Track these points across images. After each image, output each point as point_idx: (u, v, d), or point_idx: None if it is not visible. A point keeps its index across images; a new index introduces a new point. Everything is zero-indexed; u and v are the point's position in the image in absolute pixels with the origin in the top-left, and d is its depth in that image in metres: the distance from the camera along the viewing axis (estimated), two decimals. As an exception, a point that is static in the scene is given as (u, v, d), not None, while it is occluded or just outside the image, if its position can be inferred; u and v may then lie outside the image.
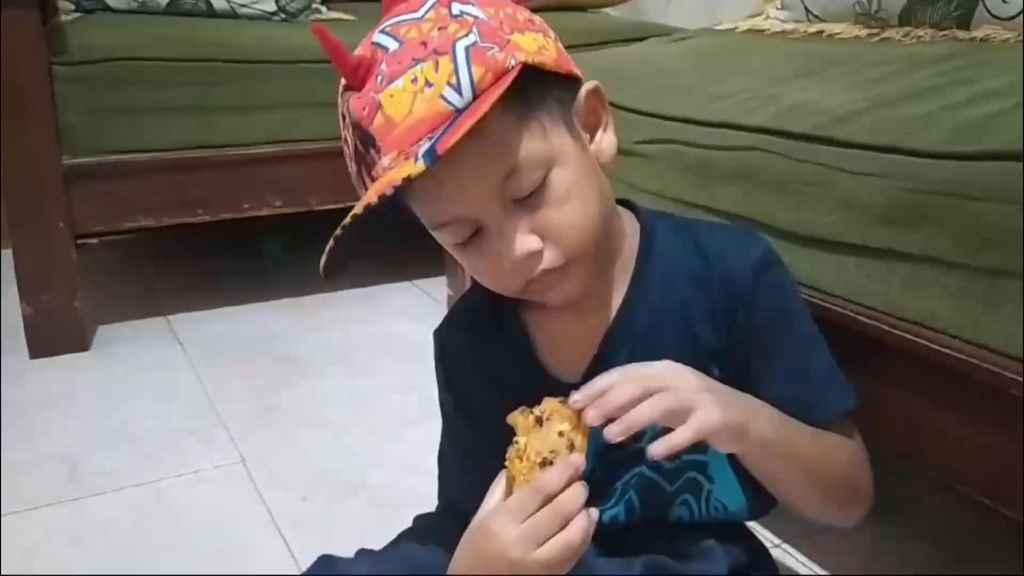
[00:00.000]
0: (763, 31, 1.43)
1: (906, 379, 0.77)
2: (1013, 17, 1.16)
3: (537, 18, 0.65)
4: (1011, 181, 0.68)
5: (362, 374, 1.54)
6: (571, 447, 0.60)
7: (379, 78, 0.58)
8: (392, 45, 0.59)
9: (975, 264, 0.70)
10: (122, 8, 1.80)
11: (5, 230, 1.54)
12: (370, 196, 0.56)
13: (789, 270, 0.74)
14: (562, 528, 0.59)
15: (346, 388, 1.50)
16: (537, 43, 0.61)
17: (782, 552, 1.05)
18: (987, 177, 0.70)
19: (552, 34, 0.65)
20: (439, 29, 0.59)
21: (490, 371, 0.74)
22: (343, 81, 0.63)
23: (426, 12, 0.60)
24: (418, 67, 0.57)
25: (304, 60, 1.69)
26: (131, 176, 1.59)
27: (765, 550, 0.79)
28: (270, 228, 1.92)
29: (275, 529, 1.11)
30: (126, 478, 1.23)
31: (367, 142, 0.59)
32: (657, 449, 0.59)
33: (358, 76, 0.60)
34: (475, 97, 0.57)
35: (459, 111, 0.56)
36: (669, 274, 0.70)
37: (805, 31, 1.37)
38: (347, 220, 0.57)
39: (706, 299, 0.70)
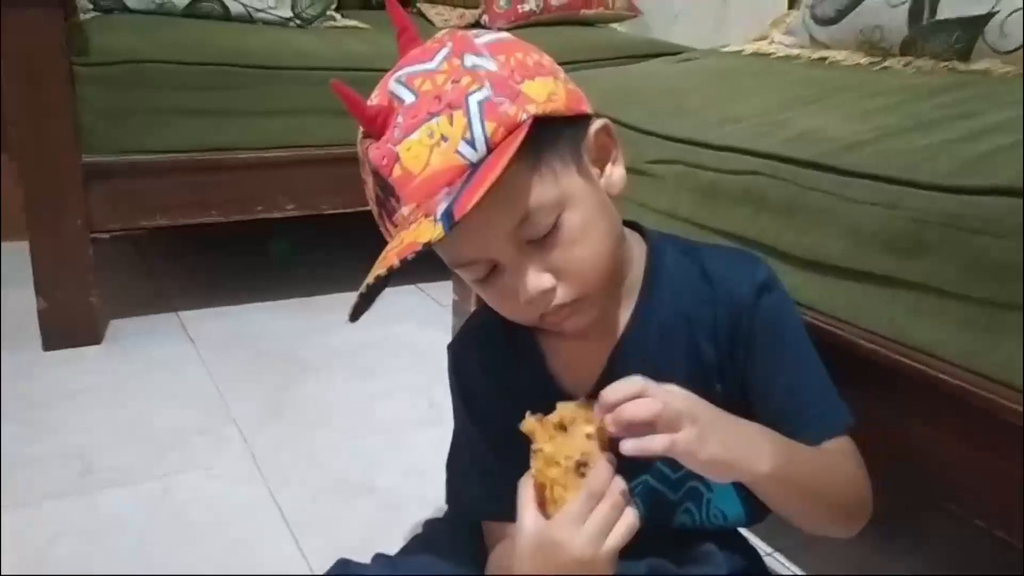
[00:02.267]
0: (769, 55, 1.47)
1: (907, 403, 0.80)
2: (1012, 51, 1.20)
3: (547, 59, 0.68)
4: (1011, 217, 0.72)
5: (369, 376, 1.58)
6: (601, 447, 0.63)
7: (396, 130, 0.61)
8: (408, 97, 0.62)
9: (976, 295, 0.73)
10: (140, 8, 1.82)
11: (21, 224, 1.57)
12: (391, 260, 0.59)
13: (788, 293, 0.77)
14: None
15: (353, 389, 1.53)
16: (547, 89, 0.64)
17: (774, 560, 1.08)
18: (988, 212, 0.74)
19: (561, 74, 0.68)
20: (452, 82, 0.61)
21: (503, 385, 0.77)
22: (361, 129, 0.66)
23: (440, 63, 0.63)
24: (433, 121, 0.60)
25: (318, 67, 1.72)
26: (147, 176, 1.62)
27: (759, 557, 0.83)
28: (281, 229, 1.94)
29: (285, 527, 1.14)
30: (137, 473, 1.25)
31: (387, 191, 0.62)
32: (628, 446, 0.61)
33: (376, 126, 0.63)
34: (489, 150, 0.60)
35: (474, 165, 0.60)
36: (675, 294, 0.74)
37: (809, 56, 1.41)
38: (371, 280, 0.62)
39: (710, 318, 0.73)
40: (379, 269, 0.61)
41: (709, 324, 0.73)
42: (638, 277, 0.75)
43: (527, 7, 2.14)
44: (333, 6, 2.00)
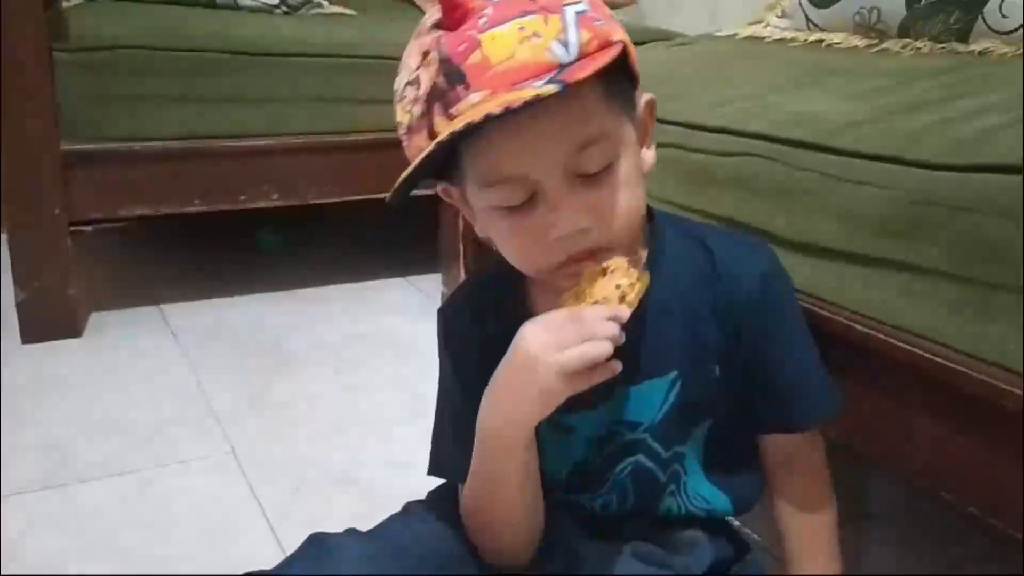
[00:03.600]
0: (763, 38, 1.44)
1: (900, 387, 0.78)
2: (1012, 31, 1.17)
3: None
4: (1008, 195, 0.69)
5: (354, 369, 1.55)
6: (622, 299, 0.63)
7: (482, 19, 0.59)
8: None
9: (971, 276, 0.71)
10: (124, -5, 1.79)
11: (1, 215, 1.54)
12: (477, 113, 0.56)
13: (791, 282, 0.76)
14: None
15: (338, 382, 1.50)
16: (622, 33, 0.64)
17: (768, 556, 1.06)
18: (984, 190, 0.71)
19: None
20: None
21: (493, 351, 0.73)
22: (430, 21, 0.63)
23: None
24: (526, 18, 0.59)
25: (304, 54, 1.70)
26: (129, 164, 1.59)
27: (749, 548, 0.81)
28: (266, 220, 1.92)
29: (264, 520, 1.12)
30: (116, 466, 1.23)
31: (454, 78, 0.59)
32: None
33: (455, 16, 0.60)
34: (579, 58, 0.58)
35: (563, 66, 0.58)
36: (677, 274, 0.72)
37: (805, 39, 1.38)
38: (432, 147, 0.59)
39: (711, 300, 0.72)
40: (457, 125, 0.57)
41: (709, 307, 0.72)
42: (642, 255, 0.72)
43: (518, -5, 2.11)
44: (320, -7, 1.97)
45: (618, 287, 0.63)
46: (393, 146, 2.08)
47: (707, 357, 0.72)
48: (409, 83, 0.63)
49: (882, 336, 0.78)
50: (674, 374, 0.72)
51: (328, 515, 1.13)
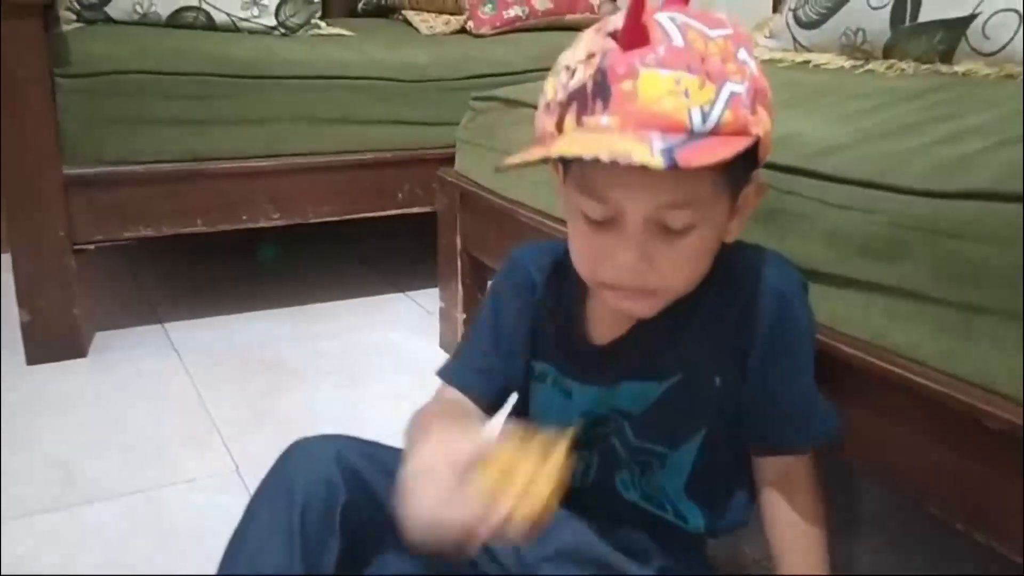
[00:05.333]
0: (753, 58, 1.47)
1: (885, 406, 0.80)
2: (994, 53, 1.20)
3: (771, 96, 0.69)
4: (987, 220, 0.72)
5: (355, 384, 1.57)
6: (526, 487, 0.61)
7: (651, 55, 0.62)
8: (677, 39, 0.63)
9: (953, 298, 0.73)
10: (123, 20, 1.81)
11: (3, 237, 1.56)
12: (590, 149, 0.60)
13: (808, 304, 0.78)
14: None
15: (339, 397, 1.52)
16: (768, 126, 0.67)
17: (764, 568, 1.08)
18: (964, 215, 0.74)
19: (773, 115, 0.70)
20: (721, 60, 0.63)
21: (532, 316, 0.84)
22: (611, 26, 0.65)
23: (718, 36, 0.64)
24: (688, 75, 0.62)
25: (303, 75, 1.72)
26: (131, 186, 1.61)
27: (706, 565, 0.84)
28: (266, 238, 1.94)
29: (269, 538, 1.13)
30: (121, 485, 1.24)
31: (601, 92, 0.63)
32: None
33: (638, 36, 0.63)
34: (712, 132, 0.62)
35: (692, 133, 0.61)
36: (706, 282, 0.74)
37: (792, 60, 1.41)
38: (540, 157, 0.64)
39: (728, 315, 0.75)
40: (572, 151, 0.63)
41: (725, 319, 0.75)
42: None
43: (512, 13, 2.14)
44: (318, 14, 1.99)
45: (524, 473, 0.62)
46: (390, 165, 2.11)
47: (711, 367, 0.76)
48: (567, 67, 0.66)
49: (866, 356, 0.80)
50: (677, 378, 0.76)
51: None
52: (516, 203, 1.36)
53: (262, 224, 1.73)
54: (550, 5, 2.20)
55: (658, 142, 0.59)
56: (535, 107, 0.72)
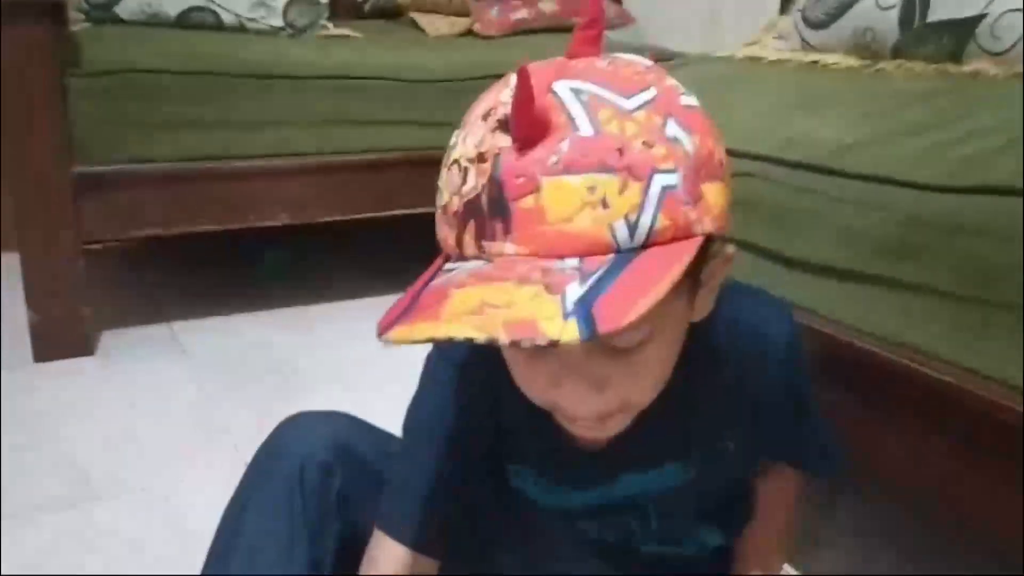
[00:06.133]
0: (761, 59, 1.47)
1: (899, 403, 0.80)
2: (1004, 52, 1.20)
3: (724, 152, 0.55)
4: (1004, 216, 0.72)
5: (360, 387, 1.57)
6: None
7: (554, 157, 0.48)
8: (584, 126, 0.49)
9: (968, 295, 0.74)
10: (132, 19, 1.82)
11: (9, 234, 1.56)
12: (490, 330, 0.44)
13: (804, 347, 0.72)
14: None
15: (345, 400, 1.51)
16: (722, 198, 0.53)
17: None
18: (980, 212, 0.74)
19: (729, 171, 0.56)
20: (644, 144, 0.49)
21: (506, 400, 0.66)
22: (502, 110, 0.51)
23: (638, 108, 0.50)
24: (603, 176, 0.48)
25: (310, 76, 1.73)
26: (140, 186, 1.62)
27: None
28: (274, 239, 1.94)
29: (279, 536, 1.13)
30: (130, 485, 1.24)
31: (499, 210, 0.49)
32: None
33: (534, 133, 0.49)
34: (644, 246, 0.48)
35: (621, 252, 0.48)
36: (697, 350, 0.63)
37: (801, 60, 1.41)
38: (443, 336, 0.46)
39: (731, 376, 0.68)
40: (478, 334, 0.45)
41: (730, 383, 0.68)
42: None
43: (518, 15, 2.15)
44: (325, 15, 2.00)
45: None
46: (397, 166, 2.11)
47: (722, 433, 0.70)
48: (458, 164, 0.52)
49: (882, 353, 0.80)
50: (686, 458, 0.69)
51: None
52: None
53: (269, 224, 1.74)
54: (556, 8, 2.20)
55: (573, 289, 0.45)
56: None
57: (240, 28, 1.88)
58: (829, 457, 0.76)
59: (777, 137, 0.99)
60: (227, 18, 1.86)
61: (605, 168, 0.48)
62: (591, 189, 0.48)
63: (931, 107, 1.02)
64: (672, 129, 0.50)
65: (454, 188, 0.52)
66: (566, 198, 0.48)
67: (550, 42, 2.06)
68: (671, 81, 0.54)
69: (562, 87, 0.50)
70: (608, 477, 0.69)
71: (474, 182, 0.50)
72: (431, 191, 0.56)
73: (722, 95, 1.28)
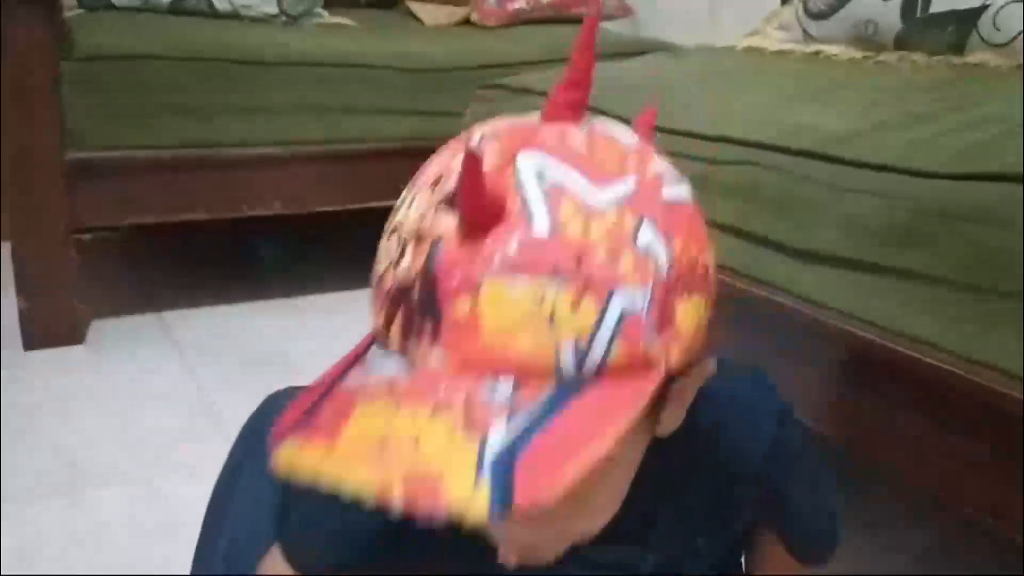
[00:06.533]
0: (762, 50, 1.46)
1: (902, 393, 0.79)
2: (1006, 44, 1.20)
3: (711, 256, 0.47)
4: (1007, 204, 0.71)
5: (355, 376, 1.56)
6: None
7: (498, 255, 0.41)
8: (540, 220, 0.41)
9: (971, 283, 0.73)
10: (126, 6, 1.80)
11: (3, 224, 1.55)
12: (390, 488, 0.38)
13: (799, 426, 0.66)
14: None
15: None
16: (697, 316, 0.45)
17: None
18: (983, 199, 0.73)
19: (714, 286, 0.48)
20: (609, 252, 0.41)
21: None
22: (448, 183, 0.44)
23: (610, 205, 0.42)
24: (554, 287, 0.41)
25: (307, 63, 1.71)
26: (133, 173, 1.60)
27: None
28: (268, 229, 1.93)
29: (270, 526, 1.12)
30: (121, 474, 1.23)
31: (428, 310, 0.42)
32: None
33: (480, 223, 0.41)
34: (595, 374, 0.41)
35: (564, 384, 0.41)
36: (667, 454, 0.53)
37: (803, 51, 1.41)
38: (332, 477, 0.40)
39: (708, 480, 0.61)
40: (349, 473, 0.39)
41: (707, 485, 0.61)
42: None
43: (517, 5, 2.13)
44: (320, 3, 1.99)
45: None
46: (393, 155, 2.10)
47: (691, 530, 0.63)
48: (398, 235, 0.45)
49: (884, 342, 0.79)
50: (650, 559, 0.61)
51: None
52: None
53: (264, 213, 1.72)
54: (555, -2, 2.19)
55: (496, 434, 0.39)
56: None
57: (234, 15, 1.86)
58: (824, 542, 0.71)
59: (779, 125, 0.98)
60: (221, 5, 1.84)
61: (558, 275, 0.41)
62: (539, 301, 0.40)
63: (933, 97, 1.01)
64: (646, 235, 0.43)
65: (392, 260, 0.45)
66: (507, 307, 0.41)
67: (549, 32, 2.06)
68: (658, 166, 0.46)
69: (526, 163, 0.43)
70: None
71: (409, 264, 0.43)
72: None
73: (723, 85, 1.27)
